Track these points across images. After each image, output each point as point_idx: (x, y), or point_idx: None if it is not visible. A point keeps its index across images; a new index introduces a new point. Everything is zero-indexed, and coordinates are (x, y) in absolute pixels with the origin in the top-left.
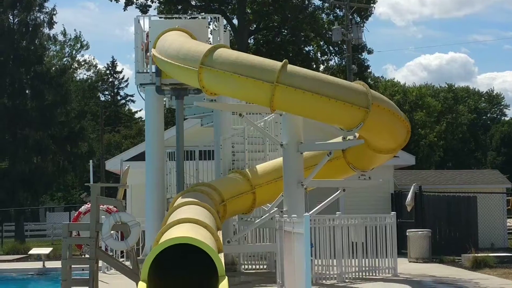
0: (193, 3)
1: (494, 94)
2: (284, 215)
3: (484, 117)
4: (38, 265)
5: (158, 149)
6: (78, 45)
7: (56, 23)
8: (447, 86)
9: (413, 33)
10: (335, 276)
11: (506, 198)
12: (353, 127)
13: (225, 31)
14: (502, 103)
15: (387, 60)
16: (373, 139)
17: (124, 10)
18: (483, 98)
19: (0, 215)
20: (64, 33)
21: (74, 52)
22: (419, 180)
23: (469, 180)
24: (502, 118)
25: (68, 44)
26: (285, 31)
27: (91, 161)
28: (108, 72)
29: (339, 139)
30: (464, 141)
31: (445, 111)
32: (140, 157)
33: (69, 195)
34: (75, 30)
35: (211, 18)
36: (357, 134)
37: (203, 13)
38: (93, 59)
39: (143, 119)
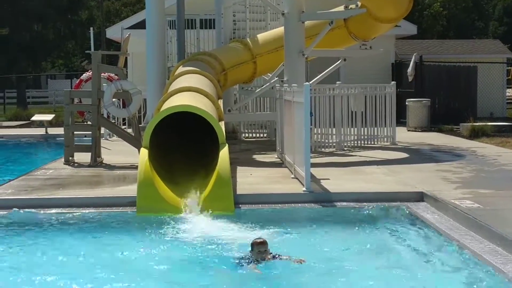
0: None
1: None
2: (284, 85)
3: None
4: (41, 131)
5: (158, 17)
6: None
7: None
8: None
9: None
10: (334, 144)
11: (506, 68)
12: None
13: None
14: None
15: None
16: (375, 8)
17: None
18: None
19: (2, 82)
20: None
21: None
22: (421, 50)
23: (470, 50)
24: None
25: None
26: None
27: (91, 28)
28: None
29: (341, 8)
30: (467, 10)
31: None
32: (141, 25)
33: (70, 62)
34: None
35: None
36: (359, 3)
37: None
38: None
39: None
